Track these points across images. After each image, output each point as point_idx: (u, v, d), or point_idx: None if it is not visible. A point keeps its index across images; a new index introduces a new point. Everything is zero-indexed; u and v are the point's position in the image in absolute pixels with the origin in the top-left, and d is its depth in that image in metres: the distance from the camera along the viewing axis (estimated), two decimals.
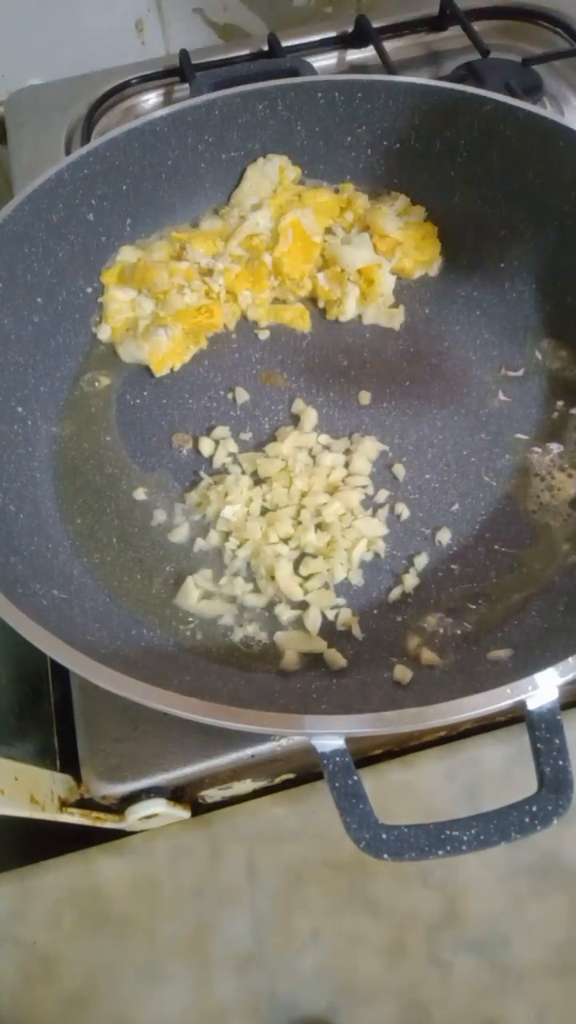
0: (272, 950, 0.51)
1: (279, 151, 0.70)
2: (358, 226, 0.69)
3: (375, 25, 0.85)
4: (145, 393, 0.64)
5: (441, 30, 0.88)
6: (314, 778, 0.57)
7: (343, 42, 0.88)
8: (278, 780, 0.59)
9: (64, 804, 0.50)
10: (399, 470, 0.59)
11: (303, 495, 0.57)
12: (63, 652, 0.41)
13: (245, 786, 0.57)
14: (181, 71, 0.84)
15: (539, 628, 0.51)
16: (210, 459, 0.61)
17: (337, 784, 0.40)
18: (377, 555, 0.56)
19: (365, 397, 0.63)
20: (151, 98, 0.87)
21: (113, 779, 0.51)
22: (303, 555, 0.56)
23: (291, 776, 0.58)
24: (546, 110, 0.79)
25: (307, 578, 0.55)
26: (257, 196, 0.70)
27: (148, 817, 0.52)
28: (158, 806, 0.51)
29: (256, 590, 0.55)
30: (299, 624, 0.53)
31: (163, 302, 0.65)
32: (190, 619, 0.54)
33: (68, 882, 0.53)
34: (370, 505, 0.58)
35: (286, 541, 0.56)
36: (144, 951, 0.51)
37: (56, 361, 0.63)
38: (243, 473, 0.59)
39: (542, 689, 0.40)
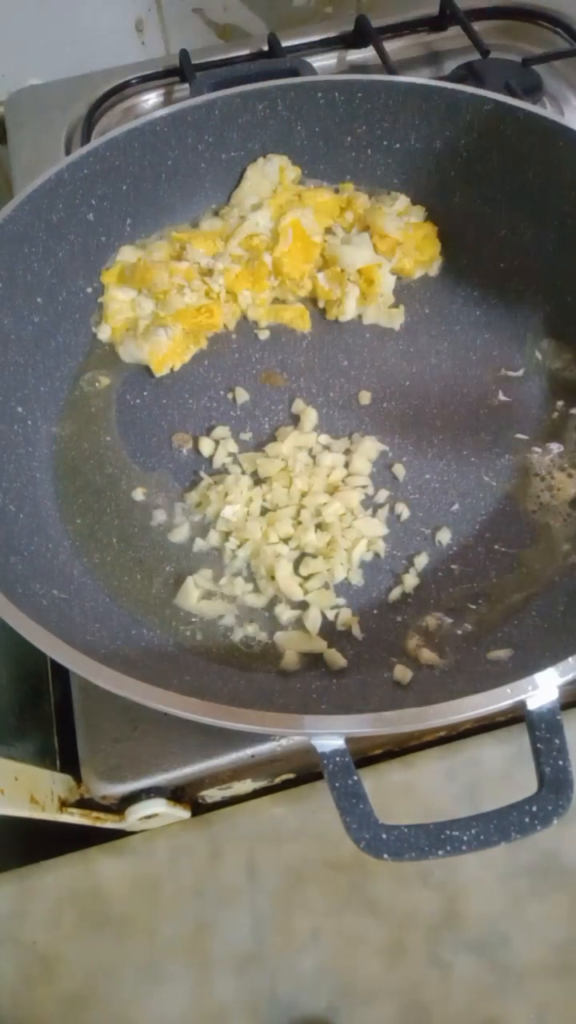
0: (272, 950, 0.51)
1: (279, 151, 0.70)
2: (358, 226, 0.69)
3: (375, 25, 0.85)
4: (145, 393, 0.65)
5: (441, 30, 0.88)
6: (314, 778, 0.57)
7: (343, 42, 0.88)
8: (278, 780, 0.59)
9: (64, 804, 0.50)
10: (399, 470, 0.59)
11: (303, 495, 0.57)
12: (63, 652, 0.41)
13: (245, 786, 0.57)
14: (181, 71, 0.84)
15: (539, 628, 0.51)
16: (210, 459, 0.61)
17: (337, 784, 0.40)
18: (377, 555, 0.56)
19: (365, 397, 0.63)
20: (151, 98, 0.87)
21: (113, 779, 0.51)
22: (303, 555, 0.56)
23: (291, 776, 0.58)
24: (546, 110, 0.79)
25: (307, 578, 0.55)
26: (257, 196, 0.70)
27: (148, 817, 0.52)
28: (158, 806, 0.51)
29: (256, 590, 0.55)
30: (299, 624, 0.53)
31: (163, 302, 0.65)
32: (191, 619, 0.54)
33: (68, 882, 0.53)
34: (370, 505, 0.58)
35: (286, 541, 0.56)
36: (144, 951, 0.51)
37: (56, 361, 0.63)
38: (243, 473, 0.59)
39: (542, 689, 0.40)
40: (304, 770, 0.58)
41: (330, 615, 0.54)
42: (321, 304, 0.68)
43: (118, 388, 0.65)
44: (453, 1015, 0.49)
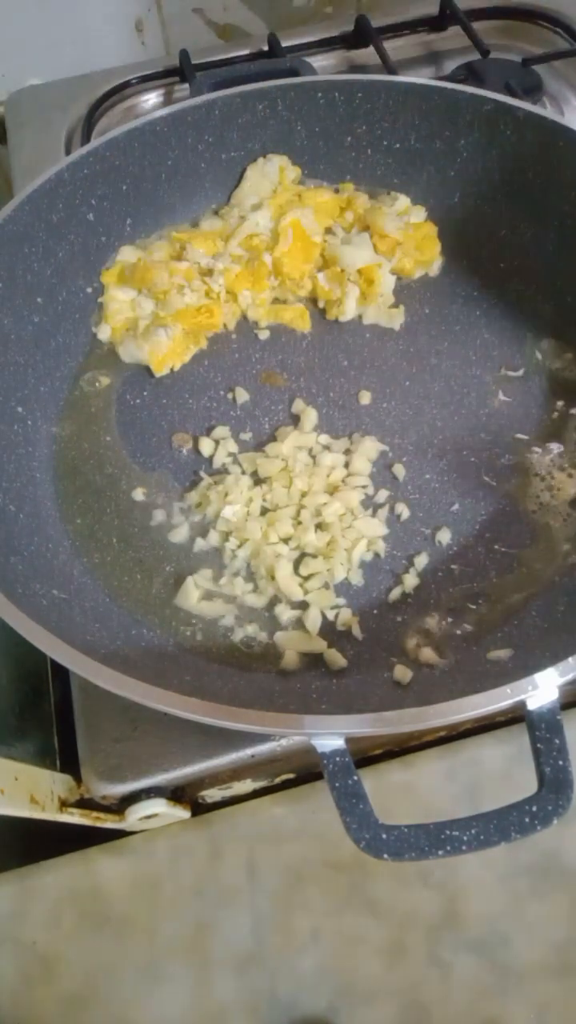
0: (272, 950, 0.51)
1: (279, 151, 0.70)
2: (358, 226, 0.69)
3: (375, 25, 0.85)
4: (145, 393, 0.65)
5: (441, 30, 0.89)
6: (314, 778, 0.57)
7: (343, 42, 0.88)
8: (278, 780, 0.59)
9: (64, 804, 0.50)
10: (399, 470, 0.59)
11: (303, 495, 0.57)
12: (63, 652, 0.41)
13: (245, 786, 0.57)
14: (181, 71, 0.84)
15: (539, 628, 0.51)
16: (210, 459, 0.61)
17: (337, 784, 0.40)
18: (377, 555, 0.56)
19: (365, 397, 0.63)
20: (151, 98, 0.87)
21: (113, 779, 0.51)
22: (303, 555, 0.56)
23: (291, 776, 0.58)
24: (546, 110, 0.79)
25: (307, 578, 0.55)
26: (257, 196, 0.70)
27: (148, 817, 0.52)
28: (158, 806, 0.51)
29: (256, 590, 0.55)
30: (299, 624, 0.53)
31: (163, 302, 0.65)
32: (191, 619, 0.54)
33: (68, 882, 0.53)
34: (370, 505, 0.58)
35: (286, 541, 0.56)
36: (144, 951, 0.51)
37: (56, 361, 0.63)
38: (243, 473, 0.59)
39: (542, 689, 0.40)
40: (304, 770, 0.58)
41: (330, 615, 0.54)
42: (321, 304, 0.68)
43: (118, 388, 0.65)
44: (453, 1015, 0.49)
